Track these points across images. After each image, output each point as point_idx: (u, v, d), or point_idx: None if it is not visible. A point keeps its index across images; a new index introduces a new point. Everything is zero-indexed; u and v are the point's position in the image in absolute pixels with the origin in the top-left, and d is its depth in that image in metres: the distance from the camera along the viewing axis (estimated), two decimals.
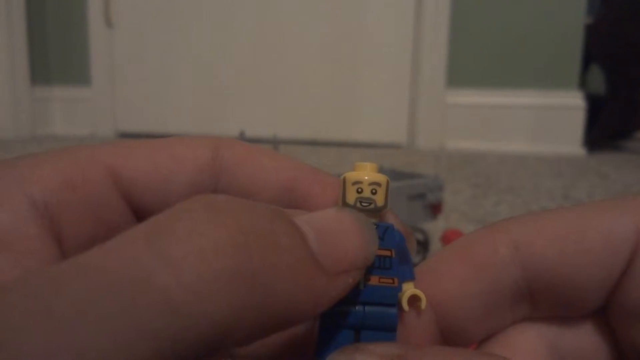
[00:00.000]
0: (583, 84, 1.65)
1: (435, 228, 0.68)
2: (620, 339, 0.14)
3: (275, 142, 0.59)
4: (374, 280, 0.13)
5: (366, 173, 0.13)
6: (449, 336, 0.14)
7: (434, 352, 0.12)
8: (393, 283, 0.13)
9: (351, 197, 0.13)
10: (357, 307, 0.13)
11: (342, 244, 0.11)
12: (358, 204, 0.13)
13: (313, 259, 0.11)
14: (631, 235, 0.13)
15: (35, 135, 1.89)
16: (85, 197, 0.13)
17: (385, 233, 0.13)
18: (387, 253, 0.13)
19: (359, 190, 0.13)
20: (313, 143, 1.75)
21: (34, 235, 0.12)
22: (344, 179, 0.13)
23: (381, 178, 0.13)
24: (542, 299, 0.14)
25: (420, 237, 0.62)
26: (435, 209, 0.61)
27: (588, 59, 1.65)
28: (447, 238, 0.59)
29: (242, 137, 0.62)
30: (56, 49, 1.97)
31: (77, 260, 0.09)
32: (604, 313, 0.14)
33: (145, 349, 0.08)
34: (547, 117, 1.62)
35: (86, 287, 0.08)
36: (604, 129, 1.66)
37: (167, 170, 0.14)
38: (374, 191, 0.13)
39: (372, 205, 0.13)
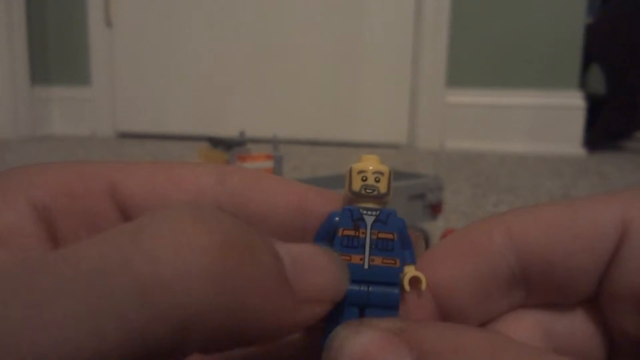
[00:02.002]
0: (583, 84, 1.65)
1: (435, 228, 0.68)
2: (610, 326, 0.14)
3: (275, 142, 0.59)
4: (378, 260, 0.14)
5: (370, 163, 0.14)
6: (448, 320, 0.14)
7: (434, 326, 0.12)
8: (395, 264, 0.14)
9: (357, 184, 0.14)
10: (361, 287, 0.14)
11: (314, 275, 0.12)
12: (363, 191, 0.14)
13: (284, 279, 0.11)
14: (618, 223, 0.13)
15: (35, 135, 1.89)
16: (83, 206, 0.14)
17: (388, 217, 0.14)
18: (390, 236, 0.14)
19: (364, 178, 0.14)
20: (313, 143, 1.75)
21: (32, 234, 0.13)
22: (350, 169, 0.14)
23: (384, 168, 0.14)
24: (536, 285, 0.14)
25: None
26: (435, 209, 0.61)
27: (588, 59, 1.65)
28: None
29: (242, 137, 0.62)
30: (56, 49, 1.97)
31: (62, 250, 0.09)
32: (596, 302, 0.14)
33: (113, 334, 0.08)
34: (547, 117, 1.62)
35: (64, 271, 0.09)
36: (604, 129, 1.66)
37: (164, 190, 0.15)
38: (377, 179, 0.14)
39: (376, 192, 0.14)
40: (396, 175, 0.74)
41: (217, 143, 0.61)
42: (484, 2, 1.63)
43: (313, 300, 0.12)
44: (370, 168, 0.14)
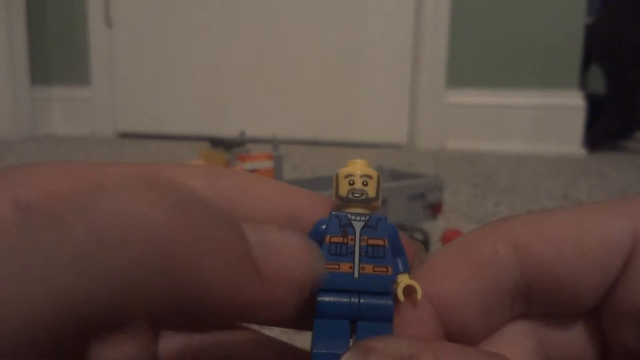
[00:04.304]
0: (583, 84, 1.65)
1: (435, 228, 0.68)
2: (611, 340, 0.14)
3: (275, 142, 0.59)
4: (368, 268, 0.13)
5: (358, 167, 0.14)
6: (451, 334, 0.14)
7: (448, 354, 0.12)
8: (387, 271, 0.13)
9: (343, 189, 0.14)
10: (352, 299, 0.13)
11: (281, 250, 0.11)
12: (350, 195, 0.13)
13: (245, 251, 0.11)
14: (628, 239, 0.13)
15: (35, 135, 1.89)
16: None
17: (378, 223, 0.14)
18: (380, 242, 0.13)
19: (351, 182, 0.13)
20: (313, 143, 1.75)
21: None
22: (337, 174, 0.14)
23: (372, 172, 0.14)
24: (539, 298, 0.14)
25: (420, 237, 0.62)
26: (435, 209, 0.61)
27: (588, 59, 1.65)
28: (447, 238, 0.59)
29: (242, 137, 0.62)
30: (56, 49, 1.97)
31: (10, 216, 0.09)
32: (594, 313, 0.14)
33: (42, 299, 0.08)
34: (547, 117, 1.62)
35: (2, 236, 0.08)
36: (604, 129, 1.66)
37: None
38: (365, 183, 0.13)
39: (364, 196, 0.13)
40: (396, 175, 0.74)
41: (217, 143, 0.61)
42: (484, 2, 1.63)
43: (281, 278, 0.11)
44: (358, 172, 0.14)
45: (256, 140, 0.76)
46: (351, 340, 0.13)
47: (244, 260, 0.11)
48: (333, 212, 0.14)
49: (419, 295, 0.13)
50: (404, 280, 0.13)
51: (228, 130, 1.67)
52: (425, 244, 0.61)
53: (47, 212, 0.09)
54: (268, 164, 0.57)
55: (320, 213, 0.14)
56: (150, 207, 0.09)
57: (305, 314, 0.13)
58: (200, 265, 0.10)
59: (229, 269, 0.10)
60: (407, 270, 0.14)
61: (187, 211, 0.10)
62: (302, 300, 0.12)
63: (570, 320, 0.14)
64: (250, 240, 0.11)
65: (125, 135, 1.93)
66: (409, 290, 0.13)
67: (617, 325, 0.13)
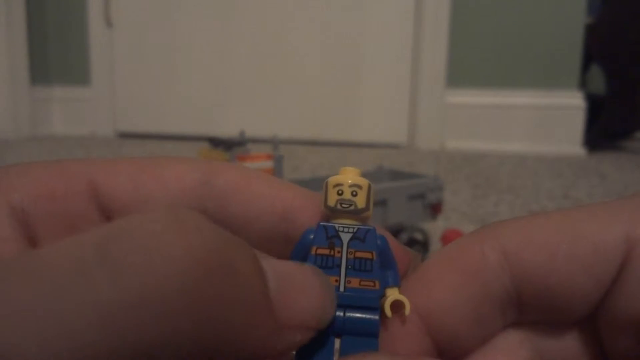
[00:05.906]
0: (583, 84, 1.65)
1: (435, 228, 0.68)
2: (607, 347, 0.13)
3: (275, 142, 0.59)
4: (355, 282, 0.13)
5: (348, 176, 0.13)
6: (442, 345, 0.14)
7: None
8: (374, 286, 0.13)
9: (332, 199, 0.13)
10: (337, 312, 0.13)
11: (299, 297, 0.11)
12: (339, 206, 0.13)
13: (267, 301, 0.10)
14: (621, 244, 0.12)
15: (35, 135, 1.89)
16: (64, 208, 0.13)
17: (366, 235, 0.13)
18: (368, 255, 0.13)
19: (340, 192, 0.13)
20: (313, 143, 1.75)
21: (10, 238, 0.12)
22: (327, 183, 0.13)
23: (362, 181, 0.13)
24: (531, 306, 0.13)
25: (420, 237, 0.62)
26: (435, 209, 0.61)
27: (588, 59, 1.65)
28: (447, 238, 0.59)
29: (242, 137, 0.62)
30: (56, 49, 1.97)
31: (21, 256, 0.08)
32: (590, 320, 0.14)
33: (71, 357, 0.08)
34: (547, 117, 1.62)
35: (21, 288, 0.08)
36: (604, 129, 1.66)
37: (148, 190, 0.14)
38: (354, 193, 0.13)
39: (353, 207, 0.13)
40: (396, 175, 0.74)
41: (217, 143, 0.61)
42: (484, 2, 1.63)
43: (296, 326, 0.11)
44: (348, 181, 0.13)
45: (256, 140, 0.76)
46: (335, 356, 0.13)
47: (265, 309, 0.10)
48: (321, 223, 0.13)
49: (407, 310, 0.13)
50: (392, 294, 0.13)
51: (228, 130, 1.67)
52: (425, 244, 0.61)
53: (69, 256, 0.08)
54: (268, 164, 0.57)
55: (314, 214, 0.14)
56: (179, 251, 0.09)
57: None
58: (227, 322, 0.09)
59: (252, 321, 0.10)
60: (397, 284, 0.13)
61: (214, 254, 0.09)
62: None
63: (566, 328, 0.14)
64: (269, 279, 0.11)
65: (125, 135, 1.93)
66: (398, 305, 0.13)
67: (613, 332, 0.13)
